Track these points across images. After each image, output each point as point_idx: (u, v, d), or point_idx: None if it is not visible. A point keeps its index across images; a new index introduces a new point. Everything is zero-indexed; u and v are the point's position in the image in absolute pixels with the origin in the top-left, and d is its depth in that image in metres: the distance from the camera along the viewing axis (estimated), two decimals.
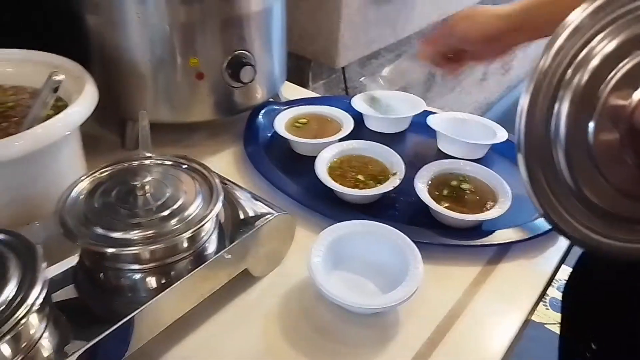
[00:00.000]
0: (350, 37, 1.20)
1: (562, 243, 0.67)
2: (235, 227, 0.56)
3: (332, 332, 0.54)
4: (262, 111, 0.87)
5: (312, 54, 1.24)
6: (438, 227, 0.66)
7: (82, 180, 0.53)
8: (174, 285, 0.49)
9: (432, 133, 0.85)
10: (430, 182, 0.71)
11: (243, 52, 0.76)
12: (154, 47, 0.71)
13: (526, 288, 0.61)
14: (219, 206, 0.52)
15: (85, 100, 0.58)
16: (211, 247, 0.53)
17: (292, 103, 0.92)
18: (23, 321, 0.40)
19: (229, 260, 0.53)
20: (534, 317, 0.63)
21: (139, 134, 0.57)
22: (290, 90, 1.02)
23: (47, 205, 0.57)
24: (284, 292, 0.58)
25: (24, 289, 0.41)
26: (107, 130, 0.84)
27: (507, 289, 0.60)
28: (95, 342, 0.44)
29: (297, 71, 1.28)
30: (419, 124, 0.88)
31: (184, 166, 0.57)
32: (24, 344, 0.41)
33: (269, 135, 0.85)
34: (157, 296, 0.48)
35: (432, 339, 0.54)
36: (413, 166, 0.73)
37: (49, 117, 0.54)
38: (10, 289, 0.41)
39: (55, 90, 0.53)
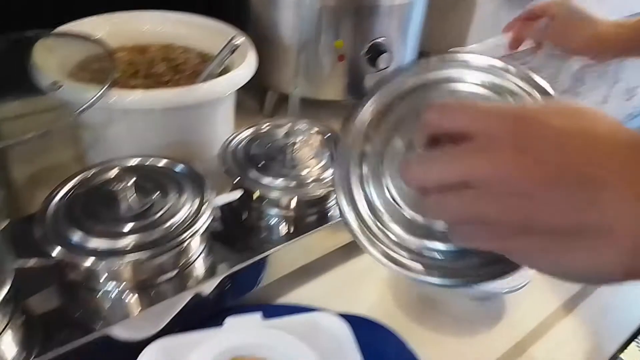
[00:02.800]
0: (478, 39, 1.20)
1: None
2: None
3: (439, 305, 0.58)
4: None
5: (436, 51, 1.27)
6: None
7: (242, 132, 0.61)
8: (305, 234, 0.55)
9: None
10: None
11: (383, 39, 0.81)
12: (305, 26, 0.79)
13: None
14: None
15: (248, 66, 0.66)
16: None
17: None
18: (187, 242, 0.48)
19: None
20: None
21: (289, 102, 0.64)
22: None
23: (205, 150, 0.66)
24: None
25: (194, 214, 0.49)
26: (248, 96, 0.93)
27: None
28: (237, 270, 0.51)
29: None
30: None
31: (329, 133, 0.63)
32: (182, 262, 0.49)
33: None
34: (289, 241, 0.54)
35: (535, 332, 0.56)
36: None
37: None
38: (184, 212, 0.49)
39: (233, 51, 0.62)
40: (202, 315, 0.50)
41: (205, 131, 0.66)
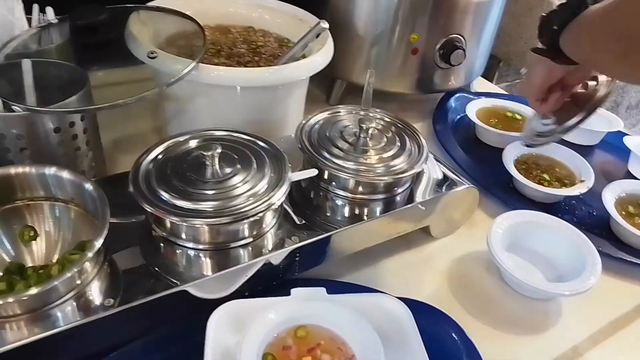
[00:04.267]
0: None
1: None
2: (428, 186, 0.63)
3: (494, 301, 0.59)
4: (455, 95, 0.92)
5: (504, 55, 1.25)
6: (616, 242, 0.67)
7: (317, 115, 0.63)
8: (370, 219, 0.57)
9: (622, 154, 0.84)
10: (617, 199, 0.71)
11: (458, 36, 0.81)
12: (381, 18, 0.80)
13: None
14: (424, 163, 0.59)
15: (325, 53, 0.68)
16: (405, 197, 0.61)
17: (483, 95, 0.96)
18: (263, 212, 0.50)
19: (418, 213, 0.60)
20: None
21: (364, 90, 0.66)
22: (480, 84, 1.05)
23: (277, 129, 0.69)
24: (456, 257, 0.64)
25: (272, 186, 0.51)
26: (313, 84, 0.95)
27: None
28: (304, 244, 0.53)
29: (485, 68, 1.30)
30: (611, 142, 0.87)
31: (399, 125, 0.65)
32: (256, 231, 0.52)
33: (457, 119, 0.90)
34: (354, 224, 0.56)
35: (592, 338, 0.56)
36: (597, 181, 0.73)
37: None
38: (263, 184, 0.51)
39: (318, 35, 0.64)
40: (269, 283, 0.53)
41: (279, 112, 0.69)
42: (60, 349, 0.43)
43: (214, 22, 0.80)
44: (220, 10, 0.79)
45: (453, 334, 0.51)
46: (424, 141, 0.62)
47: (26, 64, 0.59)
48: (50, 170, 0.48)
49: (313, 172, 0.54)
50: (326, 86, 0.92)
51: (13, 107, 0.53)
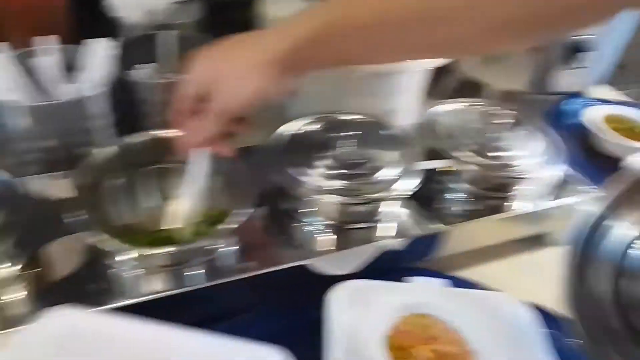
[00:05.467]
0: None
1: None
2: (553, 190, 0.61)
3: None
4: (573, 99, 0.88)
5: (635, 66, 1.18)
6: None
7: (439, 106, 0.63)
8: (491, 217, 0.56)
9: None
10: None
11: (586, 37, 0.77)
12: None
13: None
14: (560, 168, 0.57)
15: None
16: (529, 200, 0.59)
17: (601, 101, 0.91)
18: (391, 199, 0.51)
19: (541, 217, 0.59)
20: None
21: (485, 87, 0.65)
22: (598, 89, 1.00)
23: (395, 118, 0.69)
24: None
25: (401, 174, 0.52)
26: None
27: None
28: (424, 235, 0.53)
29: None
30: None
31: (534, 126, 0.64)
32: (380, 216, 0.53)
33: (573, 123, 0.86)
34: (475, 219, 0.56)
35: None
36: None
37: None
38: (392, 171, 0.52)
39: None
40: (385, 268, 0.53)
41: (394, 100, 0.69)
42: (182, 307, 0.46)
43: None
44: None
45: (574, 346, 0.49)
46: (558, 142, 0.61)
47: (168, 35, 0.63)
48: None
49: (444, 162, 0.54)
50: (435, 80, 0.91)
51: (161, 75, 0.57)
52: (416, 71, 0.66)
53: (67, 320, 0.37)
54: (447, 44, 0.40)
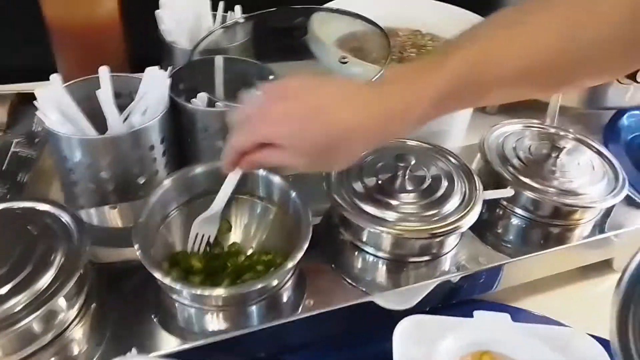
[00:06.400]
0: None
1: None
2: (617, 214, 0.58)
3: None
4: (630, 112, 0.85)
5: None
6: None
7: (498, 128, 0.61)
8: (555, 247, 0.54)
9: None
10: None
11: None
12: None
13: None
14: (622, 191, 0.54)
15: None
16: (594, 225, 0.57)
17: None
18: (453, 232, 0.49)
19: (607, 244, 0.56)
20: None
21: (549, 107, 0.62)
22: None
23: (439, 141, 0.67)
24: None
25: (464, 206, 0.50)
26: None
27: None
28: (486, 268, 0.51)
29: None
30: None
31: (588, 144, 0.61)
32: (438, 249, 0.51)
33: (631, 138, 0.83)
34: (540, 251, 0.53)
35: None
36: None
37: None
38: (453, 202, 0.50)
39: None
40: (448, 301, 0.52)
41: (445, 122, 0.67)
42: (246, 345, 0.45)
43: (382, 24, 0.79)
44: (385, 12, 0.78)
45: None
46: (618, 166, 0.58)
47: (218, 60, 0.63)
48: (262, 172, 0.50)
49: (508, 192, 0.52)
50: None
51: (216, 103, 0.56)
52: None
53: None
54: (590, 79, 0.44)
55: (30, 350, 0.39)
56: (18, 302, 0.38)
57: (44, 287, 0.39)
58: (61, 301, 0.40)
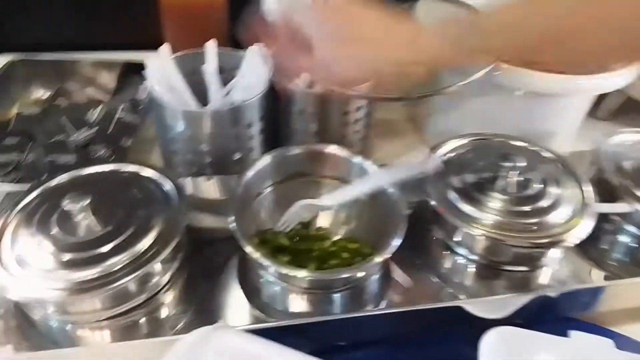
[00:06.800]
0: None
1: None
2: None
3: None
4: None
5: None
6: None
7: (615, 137, 0.56)
8: None
9: None
10: None
11: None
12: None
13: None
14: None
15: (628, 73, 0.59)
16: None
17: None
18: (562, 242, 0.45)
19: None
20: None
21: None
22: None
23: (549, 141, 0.62)
24: None
25: (570, 218, 0.46)
26: None
27: None
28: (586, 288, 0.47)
29: None
30: None
31: None
32: (538, 260, 0.48)
33: None
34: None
35: None
36: None
37: None
38: (559, 213, 0.47)
39: None
40: (541, 316, 0.48)
41: (553, 123, 0.62)
42: (321, 332, 0.44)
43: None
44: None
45: None
46: None
47: None
48: (357, 159, 0.49)
49: (624, 207, 0.47)
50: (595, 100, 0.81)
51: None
52: (582, 93, 0.60)
53: (221, 337, 0.38)
54: None
55: (124, 307, 0.41)
56: (118, 261, 0.40)
57: (143, 250, 0.41)
58: (157, 266, 0.41)
